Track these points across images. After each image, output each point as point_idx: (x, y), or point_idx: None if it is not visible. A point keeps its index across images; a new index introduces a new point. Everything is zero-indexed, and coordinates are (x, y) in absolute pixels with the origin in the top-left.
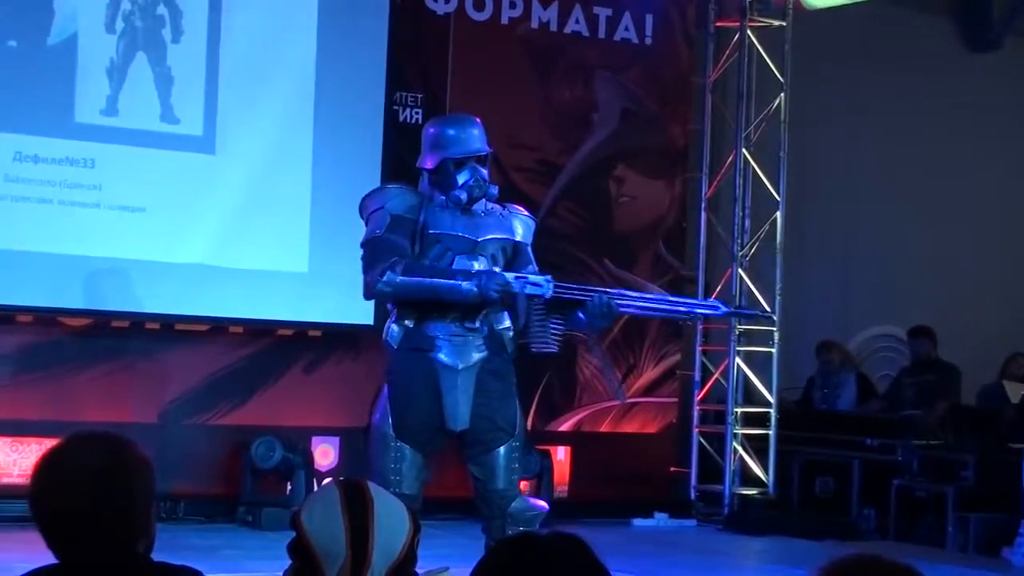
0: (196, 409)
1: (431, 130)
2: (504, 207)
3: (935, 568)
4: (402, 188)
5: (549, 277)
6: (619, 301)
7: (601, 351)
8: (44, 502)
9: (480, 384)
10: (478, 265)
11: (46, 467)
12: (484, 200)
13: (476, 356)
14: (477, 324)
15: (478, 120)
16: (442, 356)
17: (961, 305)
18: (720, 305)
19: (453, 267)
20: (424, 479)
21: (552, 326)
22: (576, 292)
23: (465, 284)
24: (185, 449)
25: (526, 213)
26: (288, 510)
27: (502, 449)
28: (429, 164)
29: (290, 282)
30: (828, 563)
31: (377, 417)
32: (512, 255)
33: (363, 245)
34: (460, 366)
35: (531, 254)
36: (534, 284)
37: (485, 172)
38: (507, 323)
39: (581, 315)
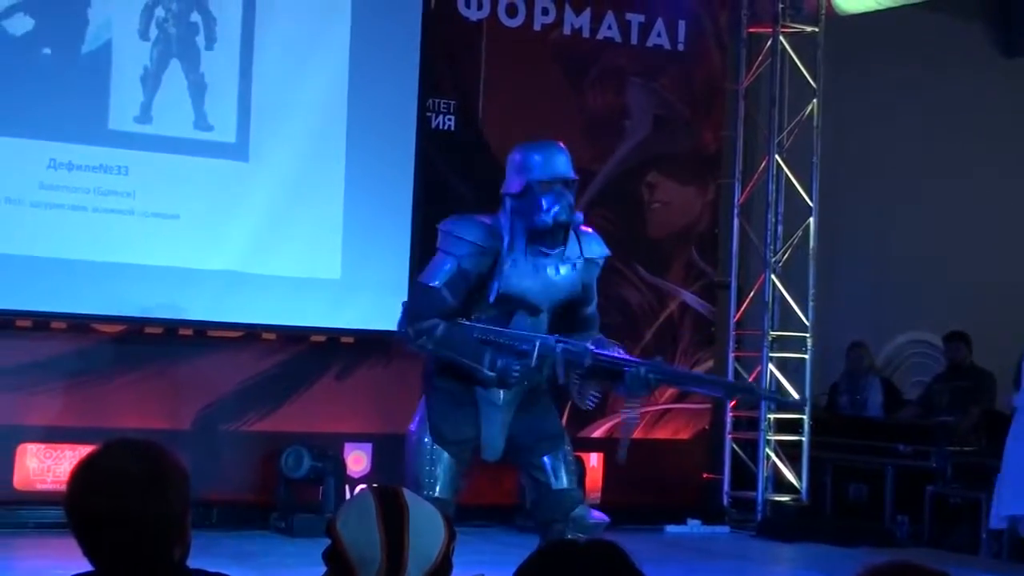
0: (229, 416)
1: (517, 156)
2: (579, 240)
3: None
4: (484, 231)
5: (590, 347)
6: (656, 375)
7: (625, 442)
8: (80, 509)
9: (520, 406)
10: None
11: (83, 473)
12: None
13: (518, 389)
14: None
15: (563, 146)
16: (482, 391)
17: (996, 311)
18: (755, 388)
19: (511, 325)
20: (458, 487)
21: (590, 392)
22: (616, 361)
23: (488, 371)
24: (218, 456)
25: (600, 247)
26: (321, 517)
27: (558, 451)
28: (515, 188)
29: (323, 289)
30: (863, 570)
31: (415, 425)
32: (578, 302)
33: (417, 283)
34: (501, 401)
35: (595, 292)
36: (574, 353)
37: (571, 198)
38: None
39: (620, 388)
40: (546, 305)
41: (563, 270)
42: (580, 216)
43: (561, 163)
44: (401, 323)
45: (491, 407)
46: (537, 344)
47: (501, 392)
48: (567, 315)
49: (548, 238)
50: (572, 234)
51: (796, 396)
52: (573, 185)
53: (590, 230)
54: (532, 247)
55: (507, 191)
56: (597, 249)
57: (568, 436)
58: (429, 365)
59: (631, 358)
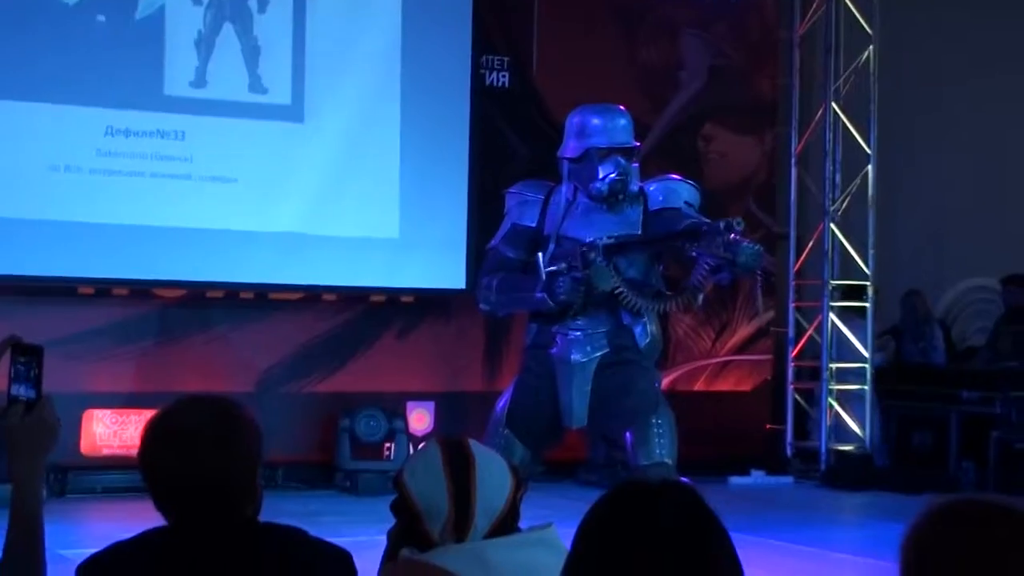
0: (291, 377)
1: (575, 118)
2: (646, 198)
3: None
4: (533, 185)
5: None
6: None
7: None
8: (153, 465)
9: (600, 379)
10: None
11: (156, 430)
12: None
13: (595, 353)
14: (601, 319)
15: (625, 110)
16: (556, 352)
17: None
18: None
19: (545, 268)
20: (531, 472)
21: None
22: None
23: (537, 295)
24: (282, 417)
25: (677, 178)
26: (385, 475)
27: (641, 424)
28: (571, 153)
29: (382, 248)
30: (932, 506)
31: (500, 406)
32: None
33: (486, 249)
34: (575, 361)
35: (685, 213)
36: (590, 246)
37: (634, 165)
38: (635, 319)
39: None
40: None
41: (624, 209)
42: (635, 186)
43: (621, 130)
44: (477, 297)
45: (567, 369)
46: (579, 251)
47: (575, 355)
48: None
49: (604, 204)
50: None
51: (859, 347)
52: (636, 153)
53: (672, 177)
54: (591, 207)
55: (564, 155)
56: (663, 198)
57: (664, 401)
58: (525, 339)
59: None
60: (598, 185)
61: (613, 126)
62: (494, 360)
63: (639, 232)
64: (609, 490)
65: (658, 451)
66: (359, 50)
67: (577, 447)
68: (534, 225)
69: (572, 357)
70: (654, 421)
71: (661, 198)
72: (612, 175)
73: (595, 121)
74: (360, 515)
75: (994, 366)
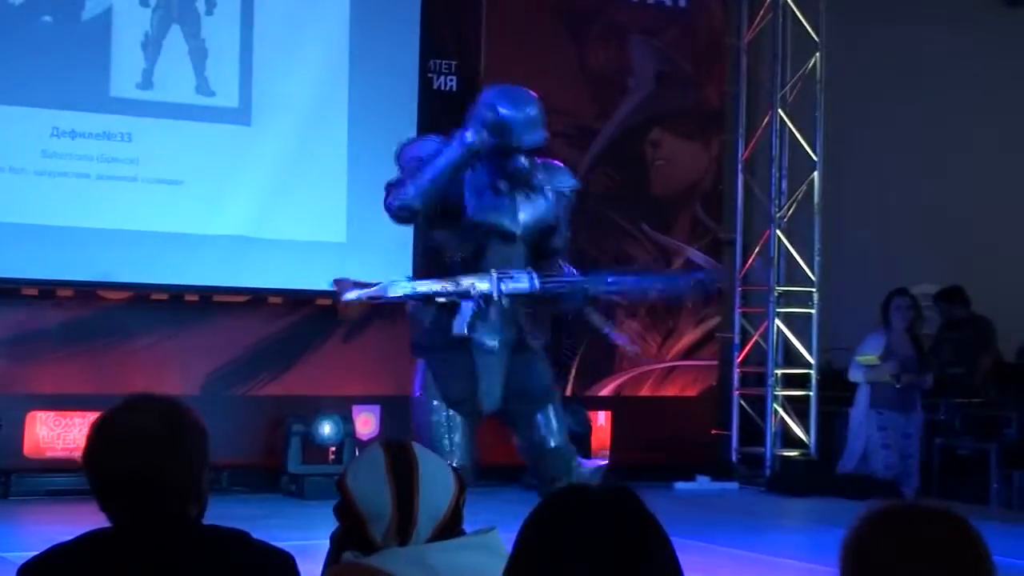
0: (237, 380)
1: (488, 114)
2: (543, 166)
3: (979, 525)
4: (443, 141)
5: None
6: (596, 288)
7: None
8: (99, 465)
9: (512, 354)
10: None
11: (102, 430)
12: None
13: (507, 334)
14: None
15: (536, 97)
16: (472, 334)
17: (1002, 261)
18: (704, 277)
19: (487, 257)
20: (474, 450)
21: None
22: (560, 282)
23: (468, 136)
24: (227, 420)
25: (569, 179)
26: (331, 480)
27: (549, 407)
28: (480, 146)
29: (328, 252)
30: (868, 514)
31: (419, 391)
32: (549, 232)
33: (387, 187)
34: (496, 346)
35: (564, 224)
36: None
37: (535, 160)
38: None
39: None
40: (519, 232)
41: (534, 198)
42: (537, 179)
43: (532, 127)
44: (387, 205)
45: (486, 355)
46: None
47: (490, 340)
48: (540, 245)
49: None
50: (540, 164)
51: (805, 353)
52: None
53: (559, 163)
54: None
55: (479, 144)
56: (567, 181)
57: (555, 386)
58: (418, 326)
59: (574, 278)
60: (501, 185)
61: (526, 121)
62: None
63: (551, 217)
64: (548, 496)
65: (562, 436)
66: (307, 53)
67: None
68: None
69: (492, 343)
70: (557, 404)
71: (560, 207)
72: (515, 172)
73: (508, 113)
74: (305, 519)
75: (937, 373)
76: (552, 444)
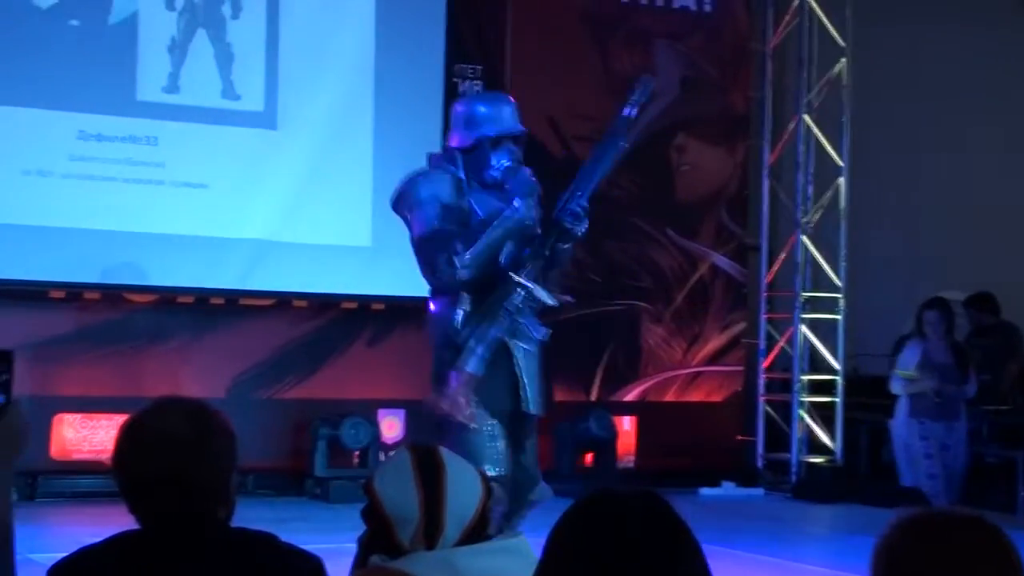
0: (262, 383)
1: (460, 108)
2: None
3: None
4: (440, 173)
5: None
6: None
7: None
8: (127, 468)
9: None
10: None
11: (131, 433)
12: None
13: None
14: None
15: (510, 97)
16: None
17: None
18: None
19: (504, 253)
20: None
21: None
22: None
23: (514, 216)
24: (253, 423)
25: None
26: (357, 483)
27: (534, 432)
28: (462, 143)
29: (353, 256)
30: (896, 520)
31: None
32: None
33: (421, 239)
34: (535, 347)
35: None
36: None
37: (519, 152)
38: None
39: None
40: (531, 222)
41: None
42: (526, 171)
43: (508, 117)
44: (431, 280)
45: (527, 356)
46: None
47: (523, 345)
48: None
49: (496, 190)
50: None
51: (831, 359)
52: (522, 138)
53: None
54: (484, 192)
55: (456, 145)
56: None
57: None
58: (437, 337)
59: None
60: (492, 173)
61: (500, 113)
62: None
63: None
64: (580, 499)
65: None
66: (333, 58)
67: (544, 457)
68: (461, 206)
69: (532, 343)
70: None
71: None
72: (506, 163)
73: (482, 109)
74: (331, 522)
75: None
76: (533, 472)
